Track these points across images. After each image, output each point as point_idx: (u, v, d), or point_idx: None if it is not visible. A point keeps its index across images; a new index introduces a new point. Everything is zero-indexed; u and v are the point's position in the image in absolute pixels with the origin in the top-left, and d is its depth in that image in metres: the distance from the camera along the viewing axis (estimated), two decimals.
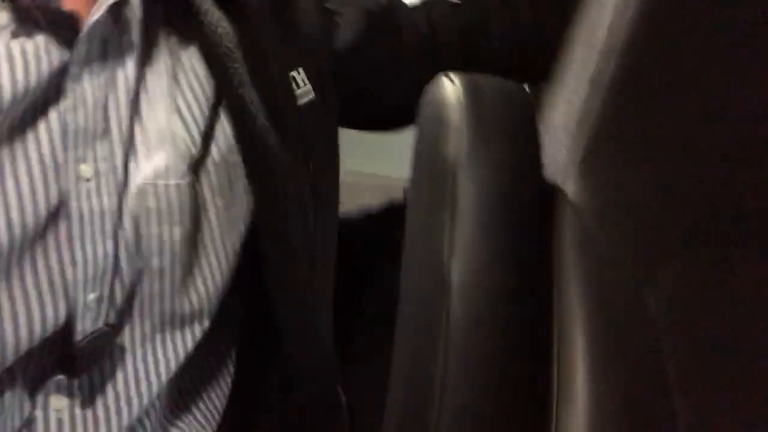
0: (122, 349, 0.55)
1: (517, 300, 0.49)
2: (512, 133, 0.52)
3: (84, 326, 0.51)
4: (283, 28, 0.60)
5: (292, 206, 0.59)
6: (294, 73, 0.60)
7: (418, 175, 0.53)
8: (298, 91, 0.60)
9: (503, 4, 0.71)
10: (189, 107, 0.56)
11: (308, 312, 0.62)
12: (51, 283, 0.50)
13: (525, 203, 0.51)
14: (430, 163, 0.52)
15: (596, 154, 0.51)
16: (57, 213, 0.50)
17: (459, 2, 0.70)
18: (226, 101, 0.56)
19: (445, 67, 0.54)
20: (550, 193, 0.52)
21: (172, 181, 0.54)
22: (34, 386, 0.53)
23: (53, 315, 0.50)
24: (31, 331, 0.49)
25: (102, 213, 0.51)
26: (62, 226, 0.50)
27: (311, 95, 0.61)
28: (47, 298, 0.50)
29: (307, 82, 0.60)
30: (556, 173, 0.52)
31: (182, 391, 0.63)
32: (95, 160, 0.51)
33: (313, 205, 0.61)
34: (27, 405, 0.52)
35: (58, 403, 0.53)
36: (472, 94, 0.52)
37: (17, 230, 0.47)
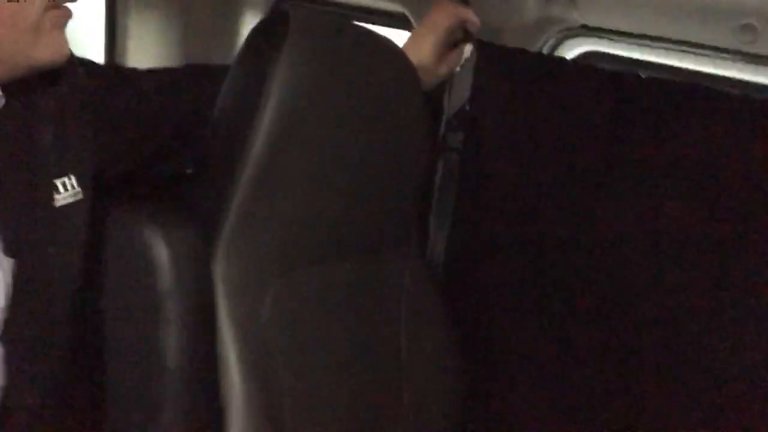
0: None
1: None
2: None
3: None
4: (55, 139, 0.71)
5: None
6: (65, 179, 0.71)
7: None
8: (63, 194, 0.71)
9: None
10: None
11: None
12: None
13: None
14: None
15: None
16: None
17: None
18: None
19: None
20: None
21: None
22: None
23: None
24: None
25: None
26: None
27: (79, 196, 0.72)
28: None
29: (76, 186, 0.72)
30: None
31: None
32: None
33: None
34: None
35: None
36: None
37: None
